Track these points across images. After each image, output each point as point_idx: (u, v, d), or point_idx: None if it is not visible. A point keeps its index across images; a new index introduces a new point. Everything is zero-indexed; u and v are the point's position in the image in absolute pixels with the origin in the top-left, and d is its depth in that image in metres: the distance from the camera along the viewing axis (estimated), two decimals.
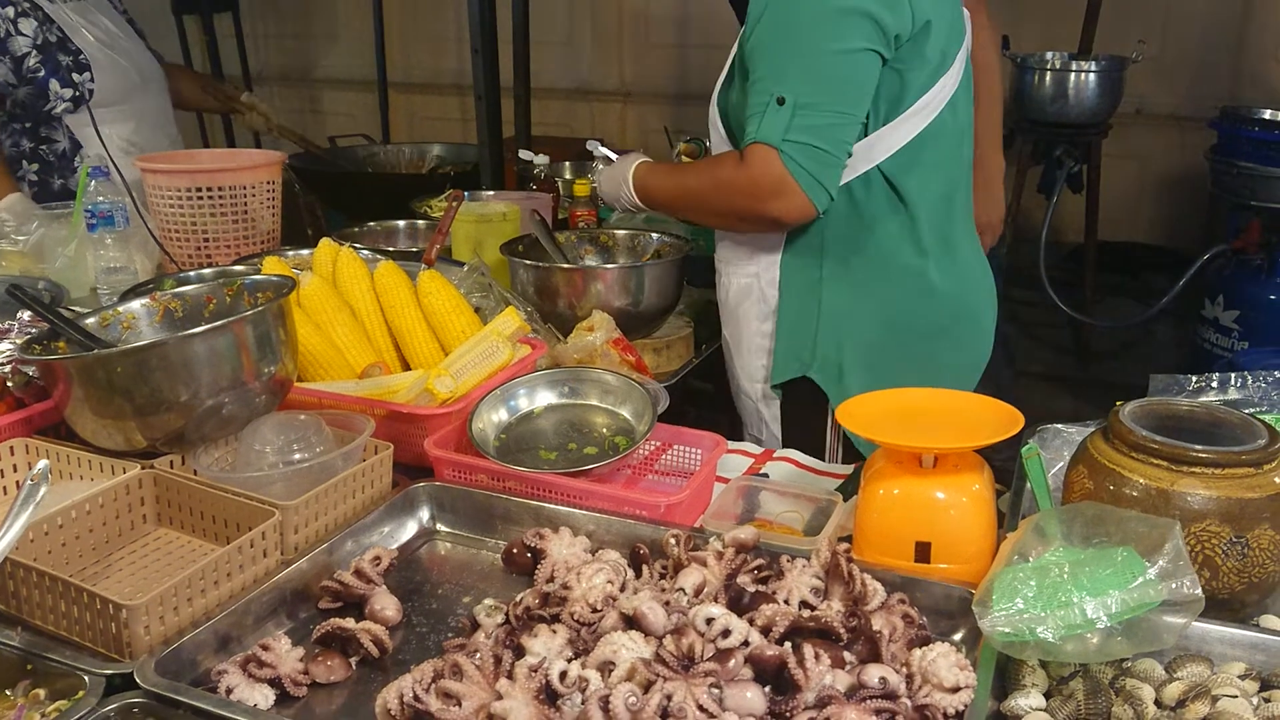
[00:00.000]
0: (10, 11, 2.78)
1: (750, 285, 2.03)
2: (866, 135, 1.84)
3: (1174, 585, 1.11)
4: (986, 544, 1.39)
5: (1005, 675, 1.20)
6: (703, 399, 2.50)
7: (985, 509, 1.42)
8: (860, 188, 1.88)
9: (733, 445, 1.89)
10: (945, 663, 1.14)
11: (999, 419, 1.44)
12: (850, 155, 1.82)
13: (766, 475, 1.79)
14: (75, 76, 2.84)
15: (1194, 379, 1.70)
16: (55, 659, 1.19)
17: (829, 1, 1.73)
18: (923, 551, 1.41)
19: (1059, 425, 1.71)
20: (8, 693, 1.19)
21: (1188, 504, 1.26)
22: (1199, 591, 1.11)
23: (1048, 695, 1.17)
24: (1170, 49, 4.74)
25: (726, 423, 2.27)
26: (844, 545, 1.33)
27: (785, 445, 2.00)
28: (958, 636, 1.29)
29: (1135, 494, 1.31)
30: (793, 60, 1.76)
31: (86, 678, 1.15)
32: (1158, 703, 1.15)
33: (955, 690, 1.12)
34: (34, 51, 2.79)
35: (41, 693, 1.18)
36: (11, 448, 1.52)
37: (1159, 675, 1.19)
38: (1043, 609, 1.12)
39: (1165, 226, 5.04)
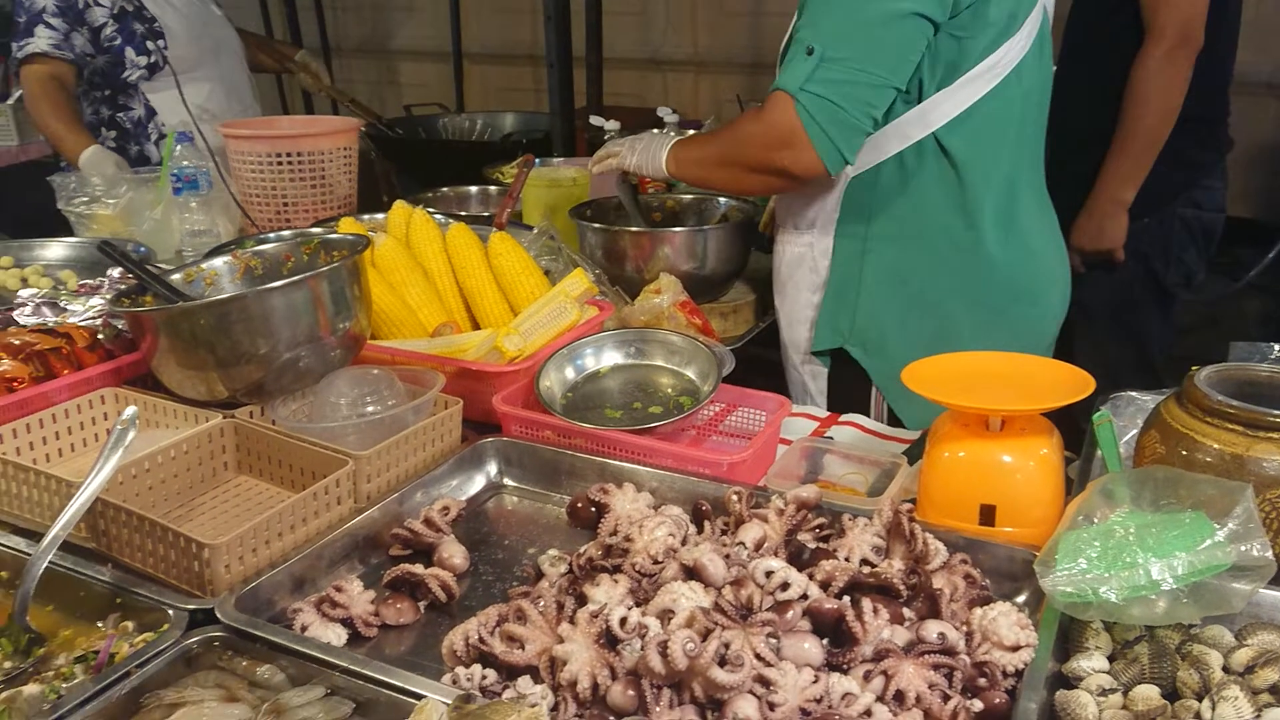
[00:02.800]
0: None
1: (803, 255, 2.01)
2: (920, 101, 1.78)
3: (1243, 548, 1.09)
4: (1053, 509, 1.38)
5: (1069, 637, 1.19)
6: (769, 366, 2.50)
7: (1052, 473, 1.41)
8: (912, 156, 1.83)
9: (798, 409, 1.90)
10: (1006, 621, 1.14)
11: (1069, 382, 1.43)
12: (876, 122, 1.76)
13: (831, 439, 1.79)
14: (150, 44, 2.93)
15: (1276, 346, 1.66)
16: (142, 594, 1.25)
17: None
18: (987, 514, 1.40)
19: (1133, 393, 1.68)
20: (99, 624, 1.25)
21: (1263, 470, 1.23)
22: (1270, 555, 1.09)
23: (1111, 659, 1.16)
24: (1266, 15, 4.56)
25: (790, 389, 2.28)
26: (906, 505, 1.33)
27: None
28: (1021, 599, 1.28)
29: (1209, 459, 1.28)
30: (831, 13, 1.70)
31: (171, 612, 1.21)
32: (1225, 669, 1.13)
33: (1015, 649, 1.12)
34: (111, 21, 2.88)
35: (130, 625, 1.23)
36: (102, 396, 1.59)
37: (1228, 642, 1.17)
38: (1106, 569, 1.11)
39: (1256, 199, 4.87)
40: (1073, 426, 1.58)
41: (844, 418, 1.88)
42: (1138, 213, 2.74)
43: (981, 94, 1.79)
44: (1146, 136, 2.54)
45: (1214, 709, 1.06)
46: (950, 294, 1.91)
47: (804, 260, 2.01)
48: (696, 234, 2.21)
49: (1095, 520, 1.17)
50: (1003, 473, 1.40)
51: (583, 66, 3.98)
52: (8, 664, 1.18)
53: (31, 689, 1.11)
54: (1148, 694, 1.10)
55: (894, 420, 1.97)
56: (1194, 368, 1.39)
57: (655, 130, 2.25)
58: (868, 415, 1.97)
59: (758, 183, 1.90)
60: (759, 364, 2.51)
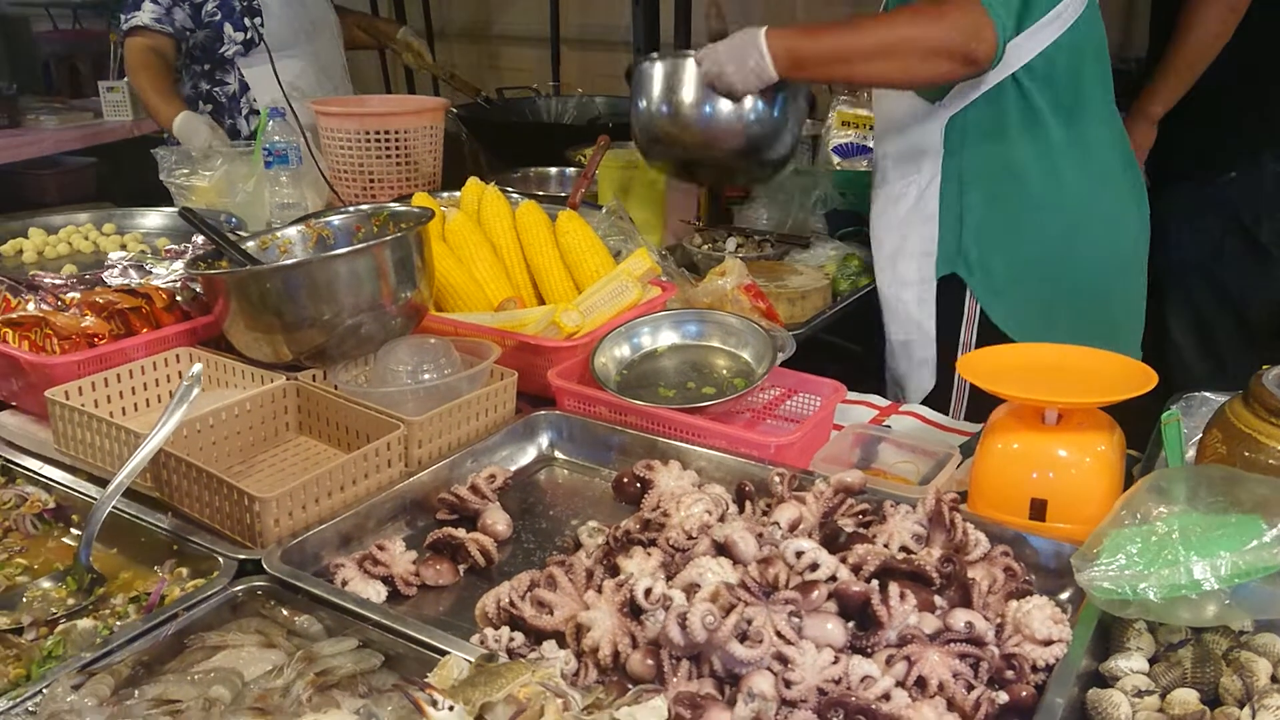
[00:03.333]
0: None
1: (914, 198, 2.18)
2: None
3: None
4: (1107, 507, 1.33)
5: (1110, 637, 1.16)
6: (838, 352, 2.48)
7: (1109, 471, 1.37)
8: (995, 96, 2.05)
9: (859, 397, 1.88)
10: (1040, 615, 1.11)
11: (1130, 377, 1.38)
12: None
13: (889, 427, 1.76)
14: (248, 21, 3.03)
15: None
16: (197, 542, 1.31)
17: None
18: (1038, 509, 1.37)
19: (1207, 393, 1.62)
20: (156, 569, 1.31)
21: None
22: None
23: (1153, 661, 1.12)
24: None
25: (871, 383, 2.26)
26: (950, 494, 1.31)
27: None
28: (1065, 595, 1.25)
29: (1272, 462, 1.23)
30: None
31: (221, 560, 1.26)
32: (1274, 678, 1.08)
33: (1048, 643, 1.10)
34: None
35: (184, 571, 1.29)
36: (177, 355, 1.66)
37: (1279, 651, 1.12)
38: (1146, 567, 1.07)
39: None
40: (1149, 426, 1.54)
41: (905, 408, 1.86)
42: (1223, 166, 2.81)
43: (1054, 38, 2.00)
44: (1185, 58, 2.69)
45: (1254, 718, 1.02)
46: (1033, 221, 2.11)
47: (912, 202, 2.18)
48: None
49: (1138, 516, 1.13)
50: (1056, 467, 1.37)
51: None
52: (70, 600, 1.25)
53: (85, 623, 1.17)
54: (1185, 698, 1.06)
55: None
56: (1264, 367, 1.34)
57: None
58: (959, 332, 2.16)
59: (929, 70, 1.95)
60: (829, 350, 2.49)
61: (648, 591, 1.11)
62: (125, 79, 4.61)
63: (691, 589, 1.13)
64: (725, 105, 2.10)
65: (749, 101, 2.11)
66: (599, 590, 1.16)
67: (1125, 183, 2.22)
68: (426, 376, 1.57)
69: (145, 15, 2.99)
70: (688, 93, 2.12)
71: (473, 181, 2.13)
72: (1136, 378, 1.37)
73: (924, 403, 1.89)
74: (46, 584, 1.28)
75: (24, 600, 1.25)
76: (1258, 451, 1.24)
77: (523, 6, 6.49)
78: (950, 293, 2.17)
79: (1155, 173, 2.87)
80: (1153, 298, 3.07)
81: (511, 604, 1.18)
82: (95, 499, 1.35)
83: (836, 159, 3.03)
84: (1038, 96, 2.03)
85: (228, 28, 3.05)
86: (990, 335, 2.13)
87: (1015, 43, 1.95)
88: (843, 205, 2.65)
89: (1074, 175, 2.10)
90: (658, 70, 2.16)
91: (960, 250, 2.14)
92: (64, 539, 1.40)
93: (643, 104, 2.21)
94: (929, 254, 2.17)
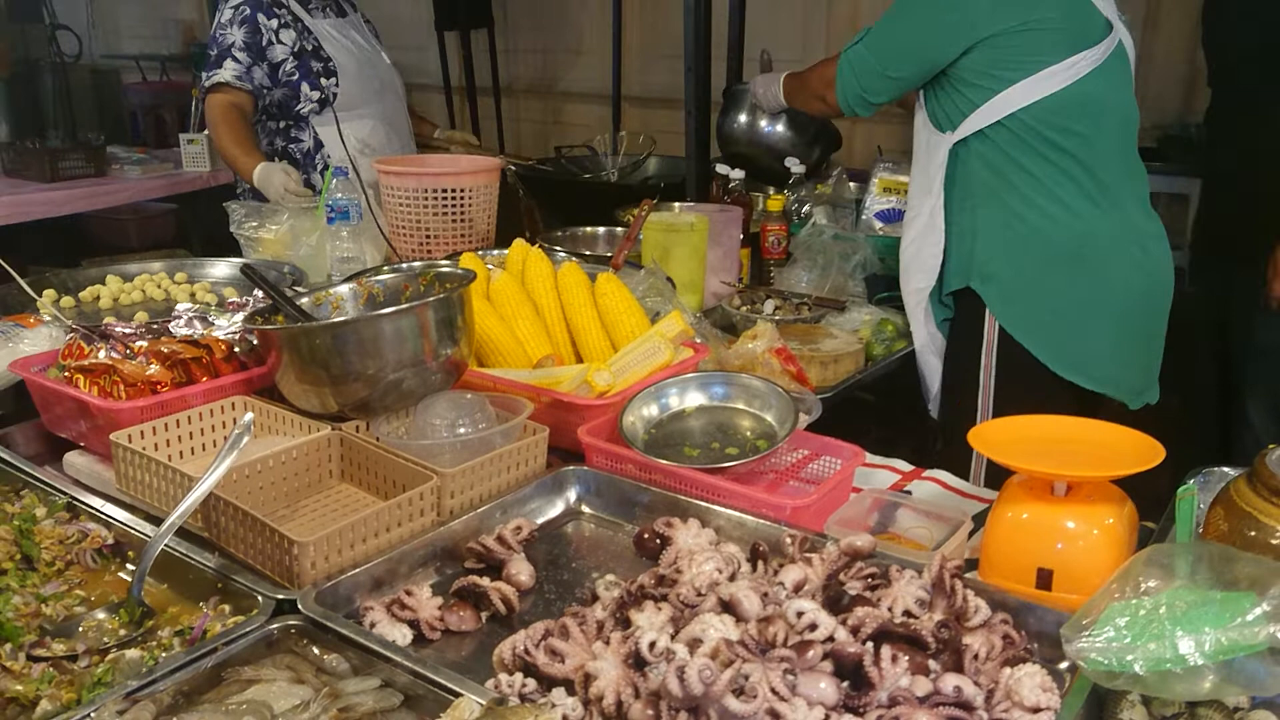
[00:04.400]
0: (274, 23, 3.18)
1: (927, 218, 2.49)
2: (1001, 90, 2.32)
3: (1277, 631, 1.07)
4: None
5: (1104, 708, 1.19)
6: (886, 418, 2.53)
7: (1117, 543, 1.40)
8: (994, 130, 2.35)
9: (882, 461, 1.92)
10: (1030, 682, 1.15)
11: (1139, 451, 1.42)
12: (873, 98, 2.50)
13: (909, 493, 1.80)
14: (323, 81, 3.20)
15: None
16: (240, 581, 1.39)
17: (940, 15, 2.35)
18: (1044, 579, 1.41)
19: (1226, 469, 1.64)
20: (201, 604, 1.40)
21: None
22: None
23: None
24: None
25: (906, 446, 2.29)
26: (954, 561, 1.35)
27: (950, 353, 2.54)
28: (1063, 665, 1.28)
29: (1274, 541, 1.26)
30: (886, 23, 2.44)
31: (260, 599, 1.35)
32: None
33: (1035, 710, 1.13)
34: (290, 58, 3.17)
35: (227, 608, 1.38)
36: (233, 404, 1.77)
37: None
38: (1134, 640, 1.10)
39: None
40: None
41: (927, 473, 1.89)
42: None
43: (1058, 89, 2.30)
44: None
45: None
46: (1039, 237, 2.36)
47: (924, 221, 2.50)
48: None
49: (1129, 589, 1.16)
50: (1063, 538, 1.40)
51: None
52: (122, 631, 1.35)
53: (133, 653, 1.26)
54: None
55: (1006, 351, 2.41)
56: (1270, 446, 1.36)
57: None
58: (980, 347, 2.43)
59: (817, 107, 2.78)
60: (866, 413, 2.53)
61: (652, 644, 1.17)
62: (205, 132, 4.85)
63: (694, 644, 1.19)
64: (766, 122, 3.23)
65: (781, 122, 3.21)
66: (607, 642, 1.22)
67: (1144, 227, 2.44)
68: (462, 430, 1.65)
69: (227, 72, 3.17)
70: (749, 109, 3.23)
71: (518, 243, 2.23)
72: (1145, 452, 1.41)
73: (948, 468, 1.92)
74: (101, 615, 1.38)
75: (80, 629, 1.35)
76: (1258, 530, 1.27)
77: (586, 65, 6.68)
78: (968, 315, 2.46)
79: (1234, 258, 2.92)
80: (1231, 376, 3.09)
81: (526, 651, 1.25)
82: (150, 536, 1.46)
83: (879, 224, 3.09)
84: (1033, 135, 2.32)
85: (304, 87, 3.22)
86: (1010, 350, 2.39)
87: (1013, 89, 2.31)
88: (881, 270, 2.71)
89: (1080, 203, 2.35)
90: (740, 92, 3.26)
91: (973, 262, 2.43)
92: (120, 573, 1.50)
93: (727, 116, 3.29)
94: (933, 266, 2.50)
